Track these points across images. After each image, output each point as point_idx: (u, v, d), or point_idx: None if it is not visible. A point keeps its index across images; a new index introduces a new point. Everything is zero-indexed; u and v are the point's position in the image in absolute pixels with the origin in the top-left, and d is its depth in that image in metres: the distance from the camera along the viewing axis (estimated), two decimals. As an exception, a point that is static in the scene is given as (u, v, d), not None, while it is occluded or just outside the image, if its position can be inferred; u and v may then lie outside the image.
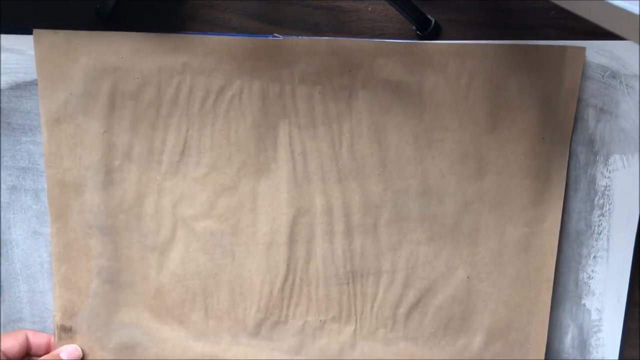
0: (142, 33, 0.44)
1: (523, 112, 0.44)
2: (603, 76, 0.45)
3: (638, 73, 0.45)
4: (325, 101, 0.45)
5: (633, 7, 0.28)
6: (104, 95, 0.45)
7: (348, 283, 0.47)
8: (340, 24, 0.46)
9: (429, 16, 0.45)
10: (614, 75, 0.45)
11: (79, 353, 0.47)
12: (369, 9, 0.46)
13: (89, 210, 0.46)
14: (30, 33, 0.45)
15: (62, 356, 0.46)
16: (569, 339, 0.47)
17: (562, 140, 0.45)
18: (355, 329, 0.47)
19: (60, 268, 0.47)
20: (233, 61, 0.44)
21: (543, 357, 0.46)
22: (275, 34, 0.45)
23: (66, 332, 0.47)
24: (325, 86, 0.45)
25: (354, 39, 0.44)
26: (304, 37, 0.45)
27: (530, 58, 0.44)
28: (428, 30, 0.45)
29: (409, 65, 0.44)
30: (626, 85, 0.45)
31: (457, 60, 0.44)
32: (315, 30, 0.46)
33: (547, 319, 0.46)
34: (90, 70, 0.44)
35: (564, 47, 0.44)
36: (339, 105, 0.45)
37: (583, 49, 0.44)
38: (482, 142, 0.45)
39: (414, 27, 0.45)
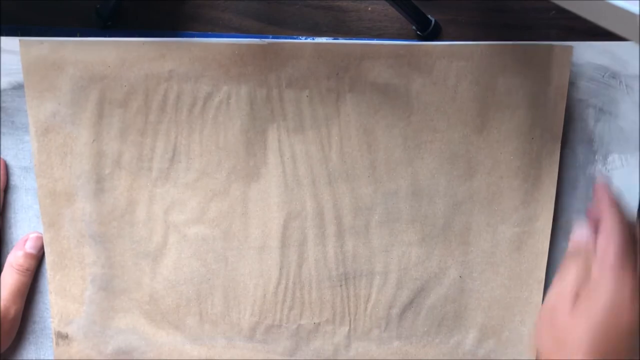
0: (128, 41, 0.44)
1: (511, 112, 0.44)
2: (603, 76, 0.45)
3: (638, 73, 0.45)
4: (313, 104, 0.45)
5: (633, 7, 0.28)
6: (92, 104, 0.45)
7: (341, 285, 0.47)
8: (340, 24, 0.46)
9: (429, 16, 0.45)
10: (614, 75, 0.45)
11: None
12: (369, 9, 0.46)
13: (81, 218, 0.46)
14: (29, 33, 0.45)
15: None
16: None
17: (552, 140, 0.44)
18: (349, 330, 0.47)
19: (54, 276, 0.47)
20: (219, 67, 0.44)
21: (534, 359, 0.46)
22: (262, 38, 0.45)
23: (63, 338, 0.48)
24: (312, 90, 0.44)
25: (339, 41, 0.44)
26: (290, 41, 0.45)
27: (516, 58, 0.43)
28: (428, 31, 0.45)
29: (395, 68, 0.44)
30: (626, 85, 0.45)
31: (443, 62, 0.44)
32: (316, 30, 0.46)
33: None
34: (77, 79, 0.44)
35: (551, 46, 0.43)
36: (327, 109, 0.45)
37: (570, 47, 0.43)
38: (471, 142, 0.45)
39: (414, 27, 0.45)
